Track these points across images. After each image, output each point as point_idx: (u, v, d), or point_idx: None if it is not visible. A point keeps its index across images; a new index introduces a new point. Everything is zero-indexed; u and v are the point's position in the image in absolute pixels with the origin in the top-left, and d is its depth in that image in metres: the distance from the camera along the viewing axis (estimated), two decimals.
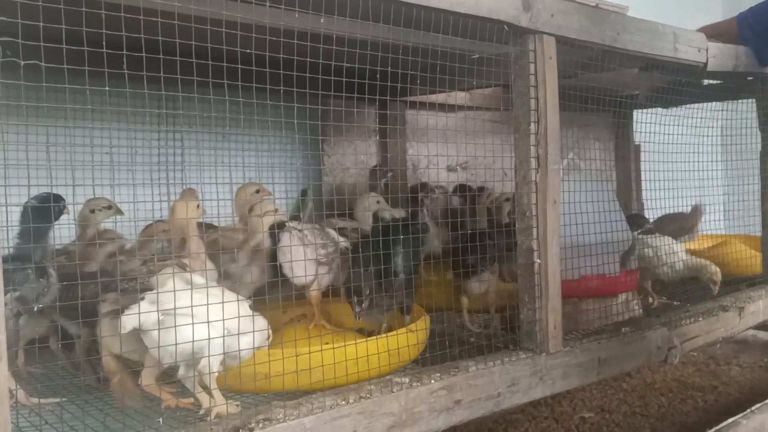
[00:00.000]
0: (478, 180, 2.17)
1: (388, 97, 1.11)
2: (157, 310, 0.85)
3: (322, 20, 0.96)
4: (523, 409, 1.98)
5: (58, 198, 1.07)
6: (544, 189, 1.11)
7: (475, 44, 1.32)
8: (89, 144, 0.98)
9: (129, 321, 0.86)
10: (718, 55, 1.43)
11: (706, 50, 1.40)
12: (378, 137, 2.02)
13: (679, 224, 2.07)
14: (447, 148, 2.23)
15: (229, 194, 1.45)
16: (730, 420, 1.64)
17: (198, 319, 0.86)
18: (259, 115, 0.96)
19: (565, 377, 1.15)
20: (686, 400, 2.05)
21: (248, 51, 0.86)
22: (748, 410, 1.72)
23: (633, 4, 1.24)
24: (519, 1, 1.06)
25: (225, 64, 0.84)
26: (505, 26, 1.07)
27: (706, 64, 1.40)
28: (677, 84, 1.90)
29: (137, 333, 0.89)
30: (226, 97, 0.92)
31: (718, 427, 1.63)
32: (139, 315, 0.85)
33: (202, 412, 0.90)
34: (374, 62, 1.00)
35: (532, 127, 1.10)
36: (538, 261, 1.11)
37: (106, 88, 0.83)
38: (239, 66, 0.86)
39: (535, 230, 1.11)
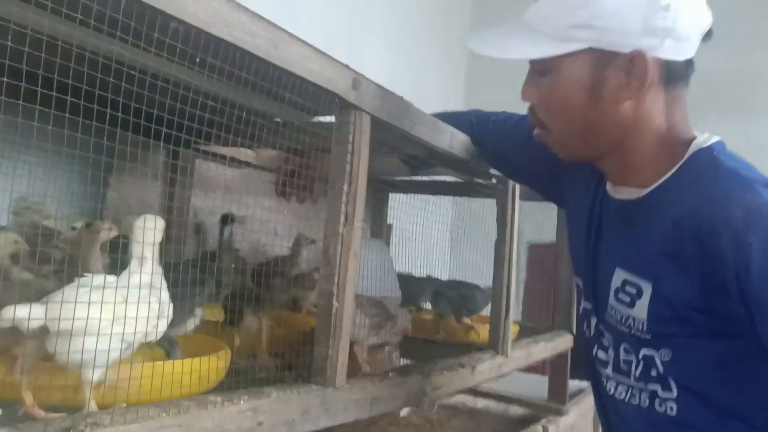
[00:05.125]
0: (251, 236, 2.28)
1: (177, 144, 1.16)
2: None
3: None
4: None
5: None
6: (349, 242, 1.27)
7: (287, 109, 1.49)
8: None
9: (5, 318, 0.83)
10: (477, 156, 1.76)
11: (471, 151, 1.72)
12: (164, 180, 2.04)
13: None
14: (225, 201, 2.33)
15: None
16: None
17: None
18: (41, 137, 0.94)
19: (345, 411, 1.29)
20: None
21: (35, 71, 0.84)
22: None
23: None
24: (350, 79, 1.25)
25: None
26: (336, 98, 1.24)
27: (469, 160, 1.72)
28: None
29: None
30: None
31: None
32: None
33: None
34: (173, 107, 1.07)
35: (345, 187, 1.28)
36: (336, 304, 1.26)
37: None
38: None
39: (336, 277, 1.27)
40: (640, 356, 1.04)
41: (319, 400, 1.23)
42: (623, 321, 1.05)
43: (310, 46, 1.17)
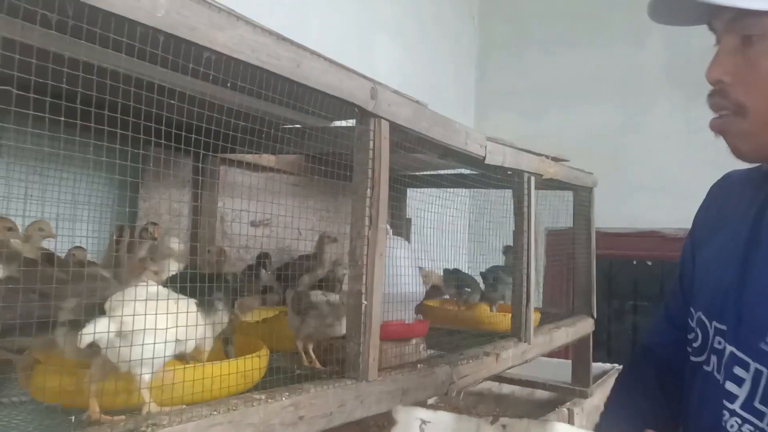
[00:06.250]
0: (276, 236, 2.37)
1: (205, 152, 1.23)
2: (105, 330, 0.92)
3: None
4: None
5: None
6: (374, 243, 1.35)
7: (308, 116, 1.56)
8: None
9: (86, 338, 0.92)
10: (492, 152, 1.83)
11: (486, 147, 1.78)
12: (192, 188, 2.13)
13: None
14: (251, 205, 2.41)
15: None
16: None
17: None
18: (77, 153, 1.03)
19: (378, 402, 1.37)
20: None
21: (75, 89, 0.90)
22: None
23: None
24: (368, 89, 1.32)
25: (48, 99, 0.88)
26: (356, 108, 1.31)
27: (485, 157, 1.78)
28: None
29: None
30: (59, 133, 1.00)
31: None
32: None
33: None
34: (200, 119, 1.15)
35: (368, 192, 1.35)
36: (365, 303, 1.33)
37: None
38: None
39: (364, 277, 1.34)
40: None
41: (354, 394, 1.31)
42: None
43: (330, 60, 1.24)
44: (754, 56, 0.93)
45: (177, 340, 1.00)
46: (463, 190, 2.88)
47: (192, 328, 1.02)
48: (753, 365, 0.98)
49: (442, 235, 2.71)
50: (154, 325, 0.96)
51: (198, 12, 0.95)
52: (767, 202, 1.04)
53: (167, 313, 0.99)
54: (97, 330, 0.94)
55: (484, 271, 2.62)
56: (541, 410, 2.62)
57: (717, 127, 1.01)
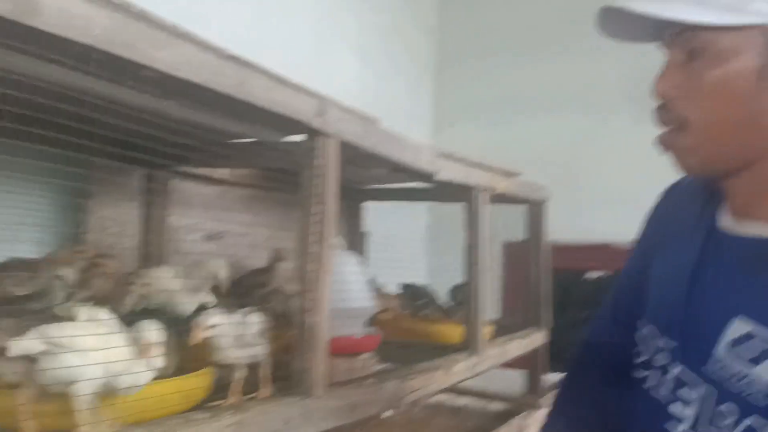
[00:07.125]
0: (229, 251, 2.35)
1: (150, 169, 1.23)
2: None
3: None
4: None
5: None
6: (320, 260, 1.35)
7: (258, 131, 1.55)
8: None
9: (16, 348, 0.90)
10: (442, 167, 1.84)
11: (435, 162, 1.80)
12: (141, 204, 2.09)
13: None
14: (204, 219, 2.39)
15: None
16: None
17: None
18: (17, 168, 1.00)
19: (325, 418, 1.37)
20: None
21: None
22: None
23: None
24: (315, 107, 1.32)
25: None
26: (303, 125, 1.31)
27: (434, 172, 1.80)
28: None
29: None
30: None
31: None
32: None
33: None
34: (139, 134, 1.14)
35: (315, 208, 1.35)
36: (312, 319, 1.33)
37: None
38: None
39: (310, 294, 1.34)
40: (742, 425, 0.88)
41: (300, 410, 1.30)
42: (737, 378, 0.90)
43: (276, 77, 1.24)
44: (696, 70, 0.94)
45: (106, 364, 0.98)
46: (421, 203, 2.90)
47: (125, 365, 1.01)
48: (698, 388, 0.97)
49: (400, 248, 2.73)
50: (83, 346, 0.94)
51: (136, 29, 0.94)
52: (713, 222, 1.04)
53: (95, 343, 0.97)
54: (26, 343, 0.92)
55: (452, 288, 2.64)
56: (496, 422, 2.64)
57: (662, 142, 1.00)
